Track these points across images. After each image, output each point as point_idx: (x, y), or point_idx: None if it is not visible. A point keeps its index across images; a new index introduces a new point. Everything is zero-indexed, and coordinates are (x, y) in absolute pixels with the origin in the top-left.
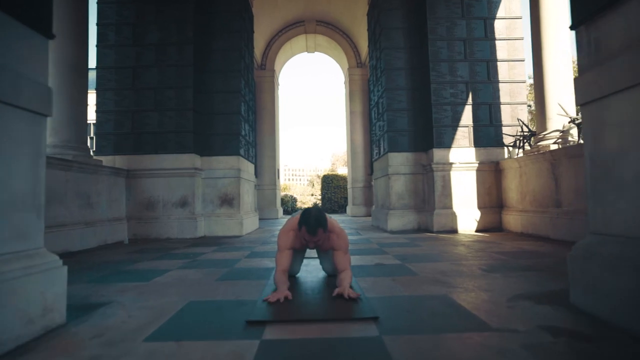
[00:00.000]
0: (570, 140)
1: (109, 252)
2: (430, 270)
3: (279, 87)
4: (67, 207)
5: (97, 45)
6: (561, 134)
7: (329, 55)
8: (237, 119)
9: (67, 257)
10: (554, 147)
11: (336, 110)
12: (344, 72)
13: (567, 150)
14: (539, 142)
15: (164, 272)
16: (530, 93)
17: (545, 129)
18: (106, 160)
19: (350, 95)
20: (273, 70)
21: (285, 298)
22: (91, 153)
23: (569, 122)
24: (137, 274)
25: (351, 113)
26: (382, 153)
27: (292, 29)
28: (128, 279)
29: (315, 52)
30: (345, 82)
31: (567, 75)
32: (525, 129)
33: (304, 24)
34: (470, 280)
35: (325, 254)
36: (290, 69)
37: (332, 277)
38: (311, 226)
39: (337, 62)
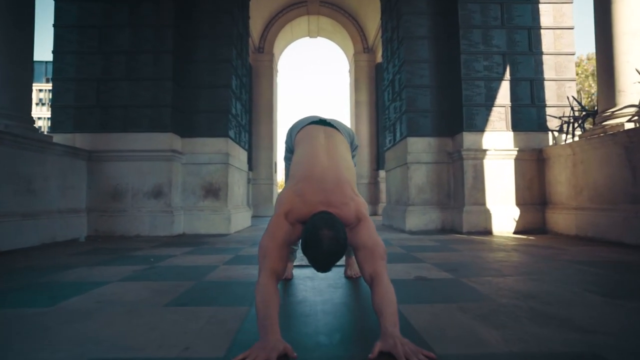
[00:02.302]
0: None
1: (49, 252)
2: (509, 292)
3: (278, 73)
4: None
5: None
6: (639, 109)
7: (332, 40)
8: (227, 93)
9: None
10: (628, 126)
11: (338, 105)
12: (348, 58)
13: None
14: (604, 121)
15: (94, 286)
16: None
17: (613, 104)
18: (65, 138)
19: (355, 84)
20: (272, 54)
21: (281, 358)
22: (41, 125)
23: None
24: (49, 290)
25: (356, 103)
26: (398, 139)
27: (294, 9)
28: (23, 300)
29: (318, 37)
30: (350, 71)
31: None
32: (577, 107)
33: (307, 4)
34: (605, 317)
35: None
36: (290, 67)
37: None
38: (321, 266)
39: (341, 48)
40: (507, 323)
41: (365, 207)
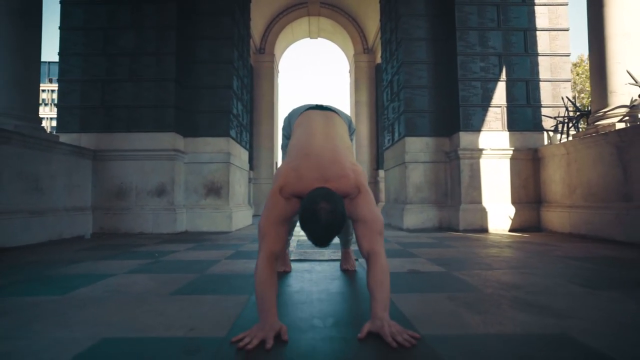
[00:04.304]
0: None
1: (56, 248)
2: (496, 283)
3: (279, 74)
4: (3, 190)
5: (61, 2)
6: (629, 109)
7: (333, 41)
8: (228, 93)
9: None
10: (619, 126)
11: (338, 105)
12: (349, 59)
13: None
14: (597, 121)
15: (101, 278)
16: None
17: (605, 105)
18: (71, 138)
19: (355, 84)
20: (273, 55)
21: (277, 338)
22: (44, 125)
23: None
24: (59, 281)
25: (356, 103)
26: (396, 139)
27: (295, 10)
28: (36, 290)
29: (319, 38)
30: (350, 71)
31: (638, 38)
32: (571, 108)
33: (307, 5)
34: (581, 304)
35: None
36: (291, 68)
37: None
38: (319, 240)
39: (341, 48)
40: (489, 309)
41: (365, 178)
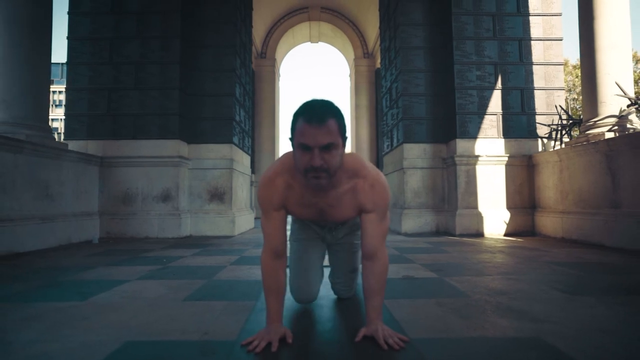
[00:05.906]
0: (630, 128)
1: (66, 253)
2: (484, 289)
3: (280, 78)
4: (16, 197)
5: (69, 13)
6: (618, 119)
7: (333, 45)
8: (231, 101)
9: (8, 259)
10: (608, 135)
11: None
12: (349, 63)
13: (631, 139)
14: (587, 130)
15: (116, 284)
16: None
17: (596, 114)
18: (78, 145)
19: (355, 88)
20: (274, 59)
21: (282, 340)
22: (54, 134)
23: (628, 106)
24: (77, 287)
25: (356, 107)
26: (395, 145)
27: (295, 15)
28: (57, 295)
29: (319, 42)
30: (350, 75)
31: (626, 50)
32: (564, 116)
33: (308, 10)
34: (558, 309)
35: (343, 253)
36: (292, 71)
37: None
38: (314, 109)
39: (342, 53)
40: (473, 315)
41: (371, 164)
